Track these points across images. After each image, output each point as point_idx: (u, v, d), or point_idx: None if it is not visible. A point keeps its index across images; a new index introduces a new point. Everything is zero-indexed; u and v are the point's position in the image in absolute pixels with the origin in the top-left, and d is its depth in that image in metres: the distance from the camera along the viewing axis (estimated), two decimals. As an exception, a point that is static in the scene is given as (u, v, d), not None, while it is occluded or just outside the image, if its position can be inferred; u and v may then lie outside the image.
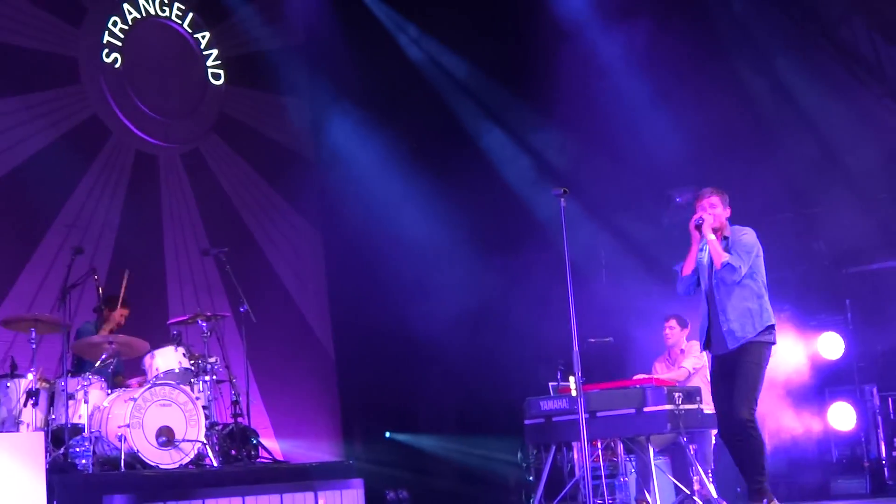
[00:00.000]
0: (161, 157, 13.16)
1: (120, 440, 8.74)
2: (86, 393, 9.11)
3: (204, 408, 9.45)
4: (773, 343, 7.85)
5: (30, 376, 9.04)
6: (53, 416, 9.06)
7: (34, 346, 9.18)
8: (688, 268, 8.00)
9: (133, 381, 9.98)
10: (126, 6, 13.04)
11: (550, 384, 11.24)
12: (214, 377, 10.05)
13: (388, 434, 14.26)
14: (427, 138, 13.93)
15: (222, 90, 13.86)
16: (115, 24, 12.88)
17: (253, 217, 13.86)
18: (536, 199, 13.27)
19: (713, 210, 7.92)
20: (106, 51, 12.78)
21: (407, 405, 14.23)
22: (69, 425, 8.94)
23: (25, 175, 11.70)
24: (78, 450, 8.88)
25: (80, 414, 9.05)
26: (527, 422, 8.89)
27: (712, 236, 7.83)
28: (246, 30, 14.07)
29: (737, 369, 7.67)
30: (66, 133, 12.21)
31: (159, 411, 8.99)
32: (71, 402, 9.05)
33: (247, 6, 14.00)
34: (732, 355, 7.70)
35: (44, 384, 9.18)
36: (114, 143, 12.74)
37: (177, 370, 9.69)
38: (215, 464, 9.24)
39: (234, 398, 10.29)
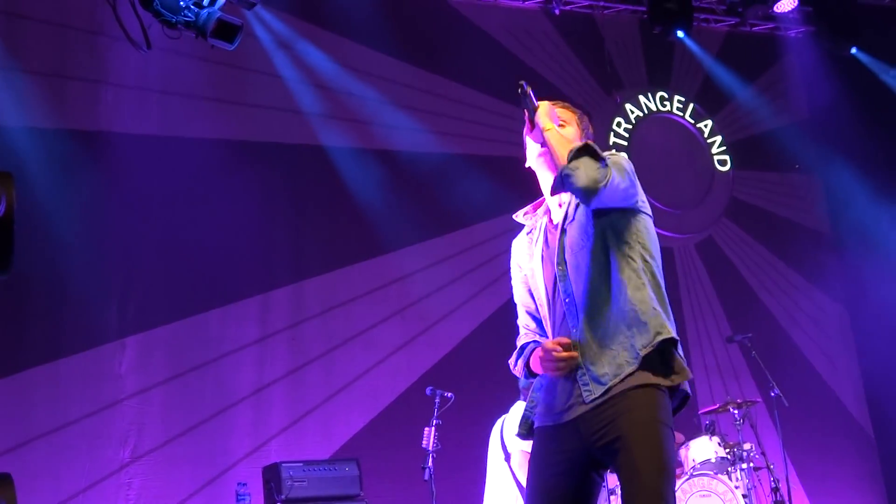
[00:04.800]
0: (676, 249, 13.35)
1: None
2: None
3: (743, 496, 9.38)
4: (677, 388, 4.13)
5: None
6: None
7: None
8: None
9: (671, 473, 10.09)
10: (628, 106, 13.48)
11: None
12: (751, 465, 9.97)
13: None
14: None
15: (730, 175, 13.89)
16: (618, 124, 13.34)
17: (773, 298, 13.63)
18: None
19: (560, 120, 4.44)
20: (612, 150, 13.20)
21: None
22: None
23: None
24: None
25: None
26: None
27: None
28: (748, 112, 14.04)
29: (619, 440, 3.91)
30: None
31: (700, 502, 9.04)
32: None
33: (746, 89, 13.98)
34: (590, 415, 4.01)
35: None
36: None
37: (713, 460, 9.71)
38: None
39: (773, 485, 10.14)
